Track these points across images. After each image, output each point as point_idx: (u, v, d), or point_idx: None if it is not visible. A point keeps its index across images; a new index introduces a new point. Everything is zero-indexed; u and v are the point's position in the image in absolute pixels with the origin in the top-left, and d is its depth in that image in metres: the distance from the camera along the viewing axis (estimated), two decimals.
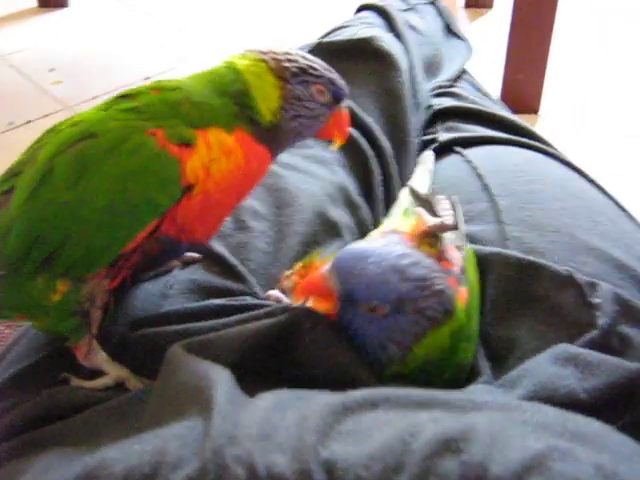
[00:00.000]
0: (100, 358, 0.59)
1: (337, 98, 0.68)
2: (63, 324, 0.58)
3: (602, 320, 0.59)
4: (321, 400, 0.40)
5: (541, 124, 2.12)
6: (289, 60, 0.65)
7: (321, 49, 0.99)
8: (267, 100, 0.64)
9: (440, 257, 0.58)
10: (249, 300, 0.64)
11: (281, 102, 0.64)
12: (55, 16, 2.65)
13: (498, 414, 0.42)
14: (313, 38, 1.07)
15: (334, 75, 0.68)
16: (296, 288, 0.62)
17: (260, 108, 0.63)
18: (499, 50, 2.09)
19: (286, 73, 0.64)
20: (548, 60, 2.08)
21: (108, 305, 0.61)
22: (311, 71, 0.66)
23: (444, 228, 0.60)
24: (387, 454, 0.36)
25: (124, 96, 0.61)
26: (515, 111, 2.07)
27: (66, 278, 0.56)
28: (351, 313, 0.54)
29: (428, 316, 0.53)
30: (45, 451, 0.40)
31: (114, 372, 0.59)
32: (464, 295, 0.58)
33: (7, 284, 0.57)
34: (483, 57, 2.07)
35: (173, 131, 0.57)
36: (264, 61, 0.65)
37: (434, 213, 0.65)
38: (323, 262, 0.64)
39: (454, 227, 0.61)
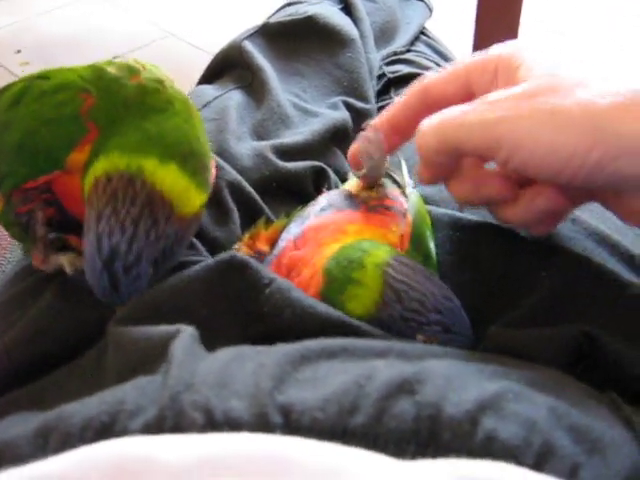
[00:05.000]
0: (55, 258, 0.62)
1: None
2: (10, 231, 0.63)
3: (549, 281, 0.55)
4: (279, 350, 0.41)
5: None
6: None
7: (268, 30, 0.99)
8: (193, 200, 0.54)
9: (382, 197, 0.61)
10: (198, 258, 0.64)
11: (191, 218, 0.55)
12: None
13: (455, 361, 0.44)
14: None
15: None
16: None
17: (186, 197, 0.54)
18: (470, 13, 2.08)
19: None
20: (519, 24, 2.07)
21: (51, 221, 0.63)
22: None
23: (365, 180, 0.63)
24: (342, 397, 0.37)
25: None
26: None
27: None
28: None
29: None
30: (8, 415, 0.41)
31: (61, 260, 0.61)
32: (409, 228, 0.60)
33: None
34: (455, 21, 2.05)
35: (99, 113, 0.55)
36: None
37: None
38: (271, 231, 0.65)
39: (373, 176, 0.63)
